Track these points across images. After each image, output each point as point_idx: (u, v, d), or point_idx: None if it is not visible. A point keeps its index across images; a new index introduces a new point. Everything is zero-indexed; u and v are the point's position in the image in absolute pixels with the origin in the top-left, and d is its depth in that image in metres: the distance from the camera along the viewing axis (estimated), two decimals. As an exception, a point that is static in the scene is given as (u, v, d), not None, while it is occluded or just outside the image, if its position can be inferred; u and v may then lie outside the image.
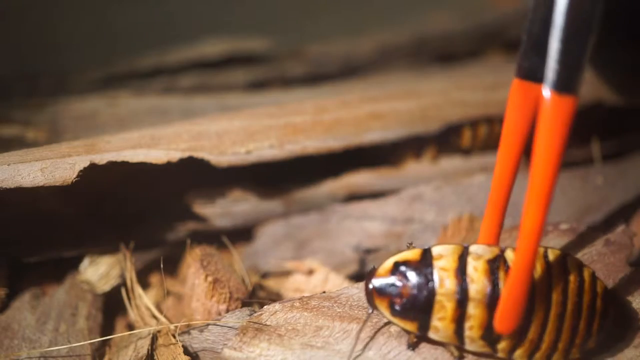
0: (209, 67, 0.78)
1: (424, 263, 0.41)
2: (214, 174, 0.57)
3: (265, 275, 0.58)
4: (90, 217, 0.57)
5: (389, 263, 0.42)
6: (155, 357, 0.47)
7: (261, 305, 0.49)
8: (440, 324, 0.41)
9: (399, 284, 0.41)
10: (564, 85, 0.36)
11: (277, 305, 0.46)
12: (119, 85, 0.75)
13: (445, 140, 0.64)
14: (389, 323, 0.44)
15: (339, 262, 0.57)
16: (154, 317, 0.52)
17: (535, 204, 0.38)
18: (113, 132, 0.58)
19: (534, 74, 0.40)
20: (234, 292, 0.51)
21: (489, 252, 0.41)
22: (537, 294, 0.40)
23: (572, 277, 0.41)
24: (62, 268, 0.56)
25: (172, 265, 0.58)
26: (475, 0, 0.87)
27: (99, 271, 0.55)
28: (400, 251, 0.43)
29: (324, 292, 0.48)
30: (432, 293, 0.41)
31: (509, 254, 0.41)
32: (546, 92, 0.36)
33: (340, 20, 0.93)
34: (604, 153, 0.65)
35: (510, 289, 0.39)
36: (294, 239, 0.60)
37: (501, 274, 0.40)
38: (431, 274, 0.41)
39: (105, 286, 0.55)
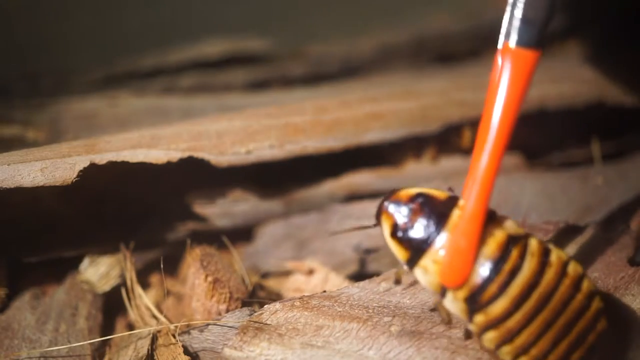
0: (209, 67, 0.78)
1: (445, 205, 0.40)
2: (214, 174, 0.57)
3: (265, 275, 0.58)
4: (90, 217, 0.57)
5: (413, 190, 0.42)
6: (155, 357, 0.47)
7: (261, 305, 0.49)
8: (432, 266, 0.40)
9: (410, 212, 0.40)
10: (524, 40, 0.39)
11: (277, 305, 0.47)
12: (119, 85, 0.75)
13: (445, 140, 0.64)
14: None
15: (339, 262, 0.57)
16: (154, 317, 0.52)
17: (490, 153, 0.39)
18: (113, 132, 0.58)
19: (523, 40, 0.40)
20: (234, 292, 0.51)
21: (514, 229, 0.40)
22: (531, 291, 0.39)
23: (575, 293, 0.39)
24: (62, 268, 0.56)
25: (172, 265, 0.58)
26: (475, 0, 0.87)
27: (99, 271, 0.55)
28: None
29: (325, 291, 0.48)
30: (437, 234, 0.40)
31: (532, 241, 0.40)
32: (509, 44, 0.39)
33: (341, 20, 0.93)
34: (604, 153, 0.65)
35: (457, 238, 0.38)
36: (294, 239, 0.60)
37: (514, 252, 0.39)
38: (444, 217, 0.40)
39: (105, 286, 0.55)
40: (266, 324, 0.45)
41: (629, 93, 0.66)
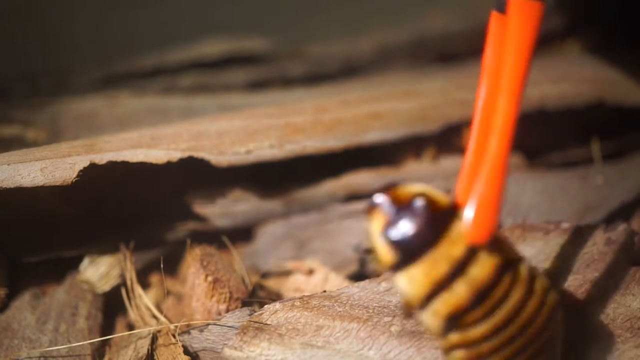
0: (209, 67, 0.78)
1: (446, 214, 0.37)
2: (214, 174, 0.57)
3: (265, 275, 0.58)
4: (90, 217, 0.57)
5: (413, 189, 0.38)
6: (155, 357, 0.47)
7: (261, 305, 0.49)
8: (421, 278, 0.37)
9: (407, 213, 0.37)
10: None
11: (277, 305, 0.46)
12: (119, 85, 0.75)
13: (445, 140, 0.64)
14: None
15: (339, 262, 0.57)
16: (154, 317, 0.52)
17: (507, 99, 0.38)
18: (113, 132, 0.58)
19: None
20: (234, 292, 0.51)
21: (511, 252, 0.38)
22: (513, 319, 0.37)
23: (550, 322, 0.38)
24: (62, 268, 0.56)
25: (172, 265, 0.58)
26: (475, 0, 0.87)
27: (99, 271, 0.55)
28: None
29: (325, 291, 0.48)
30: (433, 243, 0.37)
31: (522, 268, 0.38)
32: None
33: (340, 20, 0.93)
34: (604, 153, 0.65)
35: (484, 190, 0.37)
36: (294, 239, 0.60)
37: (507, 278, 0.37)
38: (444, 226, 0.37)
39: (105, 286, 0.55)
40: (266, 324, 0.45)
41: (629, 93, 0.66)
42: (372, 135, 0.60)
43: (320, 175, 0.61)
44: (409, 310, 0.38)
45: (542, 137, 0.68)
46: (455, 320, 0.37)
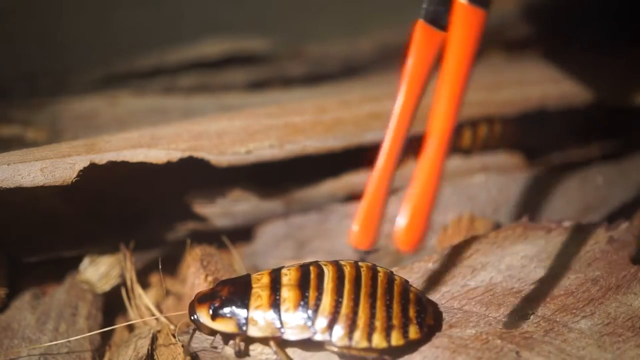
0: (209, 67, 0.78)
1: (242, 279, 0.46)
2: (214, 174, 0.57)
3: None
4: (90, 217, 0.57)
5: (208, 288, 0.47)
6: (155, 357, 0.47)
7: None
8: (260, 319, 0.43)
9: (217, 289, 0.45)
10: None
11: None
12: (119, 85, 0.75)
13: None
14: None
15: (339, 262, 0.57)
16: (154, 316, 0.52)
17: (446, 106, 0.39)
18: (113, 132, 0.58)
19: (437, 20, 0.42)
20: (234, 292, 0.51)
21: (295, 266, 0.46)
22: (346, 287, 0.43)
23: (380, 275, 0.45)
24: (62, 268, 0.56)
25: (172, 265, 0.58)
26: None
27: (99, 271, 0.55)
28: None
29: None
30: (248, 286, 0.44)
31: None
32: (461, 4, 0.39)
33: (340, 20, 0.93)
34: (604, 153, 0.65)
35: (419, 194, 0.39)
36: (294, 239, 0.60)
37: (312, 269, 0.44)
38: (248, 276, 0.46)
39: (105, 286, 0.55)
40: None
41: (629, 93, 0.66)
42: (372, 135, 0.60)
43: (320, 175, 0.61)
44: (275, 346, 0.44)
45: (542, 137, 0.68)
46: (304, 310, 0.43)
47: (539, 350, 0.42)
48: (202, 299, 0.45)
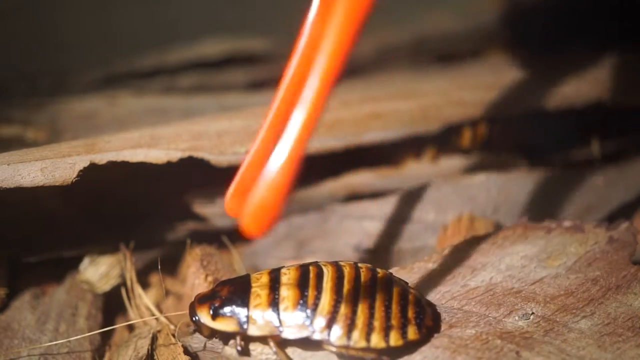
0: (209, 67, 0.78)
1: (241, 278, 0.46)
2: (214, 174, 0.57)
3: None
4: (90, 217, 0.57)
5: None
6: (155, 357, 0.47)
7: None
8: (260, 318, 0.43)
9: (217, 289, 0.46)
10: None
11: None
12: (119, 85, 0.75)
13: (445, 140, 0.64)
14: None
15: (339, 262, 0.57)
16: (154, 317, 0.52)
17: (320, 79, 0.37)
18: (113, 132, 0.57)
19: None
20: (234, 292, 0.51)
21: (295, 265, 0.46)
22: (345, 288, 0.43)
23: (380, 276, 0.45)
24: (62, 268, 0.56)
25: (172, 265, 0.58)
26: (475, 0, 0.87)
27: (99, 271, 0.55)
28: None
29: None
30: (248, 285, 0.45)
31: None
32: None
33: (340, 20, 0.93)
34: (604, 153, 0.65)
35: (265, 193, 0.37)
36: (294, 239, 0.60)
37: (311, 269, 0.44)
38: (247, 276, 0.46)
39: (105, 286, 0.55)
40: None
41: (629, 93, 0.66)
42: (372, 135, 0.60)
43: (320, 175, 0.61)
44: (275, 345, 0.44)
45: (542, 137, 0.68)
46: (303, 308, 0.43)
47: (539, 350, 0.42)
48: (202, 299, 0.45)
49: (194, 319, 0.45)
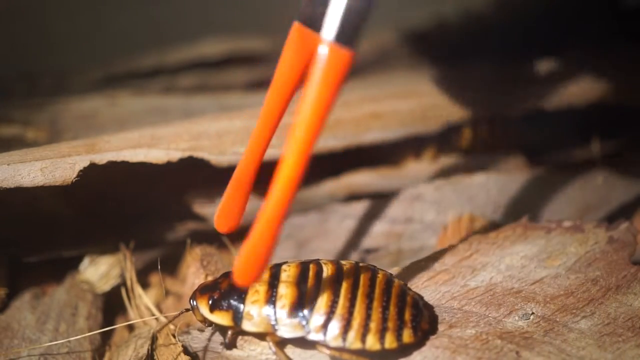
0: (209, 67, 0.78)
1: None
2: (214, 174, 0.57)
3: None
4: (90, 217, 0.57)
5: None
6: (155, 357, 0.47)
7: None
8: (256, 314, 0.43)
9: (219, 280, 0.46)
10: (343, 37, 0.37)
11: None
12: (119, 85, 0.75)
13: (445, 140, 0.64)
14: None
15: (339, 262, 0.57)
16: (154, 316, 0.52)
17: (296, 150, 0.38)
18: (113, 131, 0.58)
19: (314, 23, 0.40)
20: (234, 292, 0.51)
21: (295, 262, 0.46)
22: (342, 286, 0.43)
23: (379, 276, 0.44)
24: (62, 268, 0.56)
25: (172, 265, 0.58)
26: (475, 1, 0.87)
27: (99, 271, 0.55)
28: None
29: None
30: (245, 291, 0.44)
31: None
32: (325, 41, 0.36)
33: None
34: (604, 153, 0.65)
35: (256, 239, 0.39)
36: (294, 239, 0.60)
37: (311, 267, 0.44)
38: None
39: (105, 286, 0.55)
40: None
41: (629, 93, 0.66)
42: (372, 135, 0.60)
43: (320, 175, 0.61)
44: (275, 343, 0.44)
45: (542, 137, 0.68)
46: (299, 308, 0.43)
47: (539, 350, 0.42)
48: (204, 289, 0.45)
49: (191, 302, 0.45)
